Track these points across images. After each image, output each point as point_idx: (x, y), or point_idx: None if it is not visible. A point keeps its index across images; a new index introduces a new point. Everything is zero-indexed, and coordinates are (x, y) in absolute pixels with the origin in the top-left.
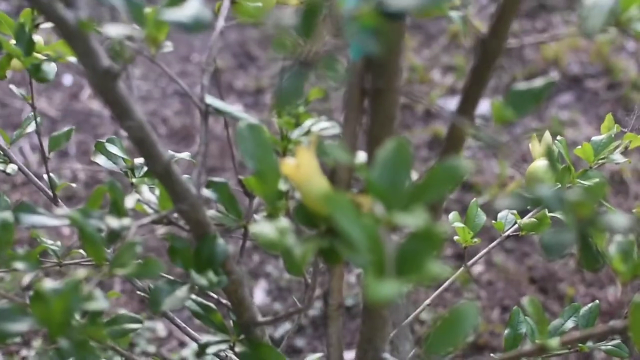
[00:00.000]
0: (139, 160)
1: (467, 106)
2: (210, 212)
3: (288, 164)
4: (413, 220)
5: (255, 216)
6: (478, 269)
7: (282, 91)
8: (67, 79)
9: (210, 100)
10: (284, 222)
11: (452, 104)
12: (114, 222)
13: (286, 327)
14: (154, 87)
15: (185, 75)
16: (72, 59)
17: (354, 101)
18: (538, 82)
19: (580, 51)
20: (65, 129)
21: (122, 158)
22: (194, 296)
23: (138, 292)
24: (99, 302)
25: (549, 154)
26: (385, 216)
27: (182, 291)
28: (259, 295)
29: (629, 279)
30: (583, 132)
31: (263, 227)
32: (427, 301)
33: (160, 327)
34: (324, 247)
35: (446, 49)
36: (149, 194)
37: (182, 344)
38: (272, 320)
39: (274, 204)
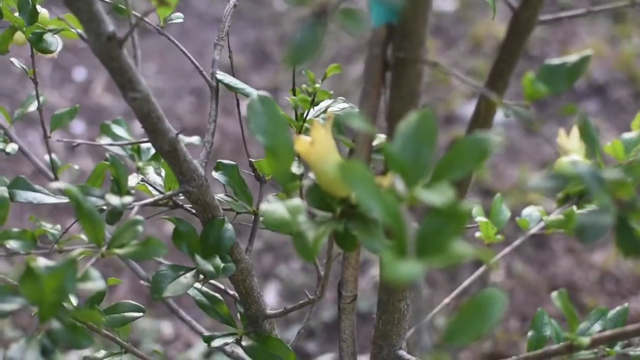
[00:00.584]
0: (146, 145)
1: (496, 82)
2: (219, 196)
3: (302, 141)
4: (437, 196)
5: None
6: (497, 277)
7: (298, 43)
8: (79, 74)
9: (221, 75)
10: (296, 201)
11: (471, 109)
12: (114, 200)
13: (295, 331)
14: (168, 83)
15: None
16: (78, 31)
17: (374, 74)
18: (572, 57)
19: (604, 59)
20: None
21: (128, 141)
22: (199, 285)
23: (142, 283)
24: (96, 283)
25: (587, 136)
26: (407, 192)
27: (186, 277)
28: (270, 297)
29: None
30: (608, 140)
31: (273, 206)
32: (446, 300)
33: (167, 327)
34: (338, 230)
35: (467, 54)
36: (154, 176)
37: (189, 346)
38: (282, 312)
39: (287, 184)
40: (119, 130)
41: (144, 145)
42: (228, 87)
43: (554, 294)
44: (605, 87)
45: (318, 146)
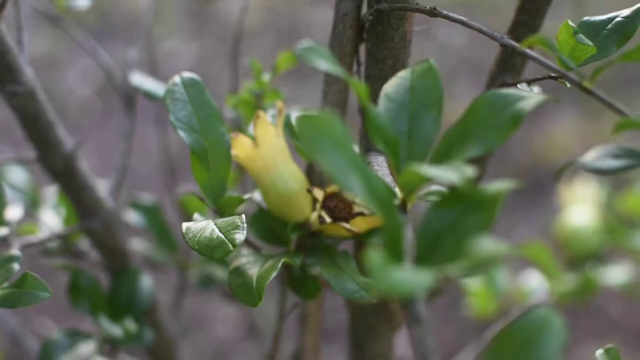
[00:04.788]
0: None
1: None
2: (135, 242)
3: (242, 142)
4: (452, 173)
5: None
6: None
7: None
8: None
9: (138, 80)
10: (237, 219)
11: None
12: None
13: None
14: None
15: None
16: None
17: (344, 42)
18: (625, 12)
19: None
20: None
21: None
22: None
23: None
24: None
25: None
26: (403, 171)
27: (87, 347)
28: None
29: None
30: None
31: (200, 224)
32: None
33: None
34: (293, 267)
35: None
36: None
37: None
38: None
39: (219, 200)
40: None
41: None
42: (148, 95)
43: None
44: None
45: (265, 150)
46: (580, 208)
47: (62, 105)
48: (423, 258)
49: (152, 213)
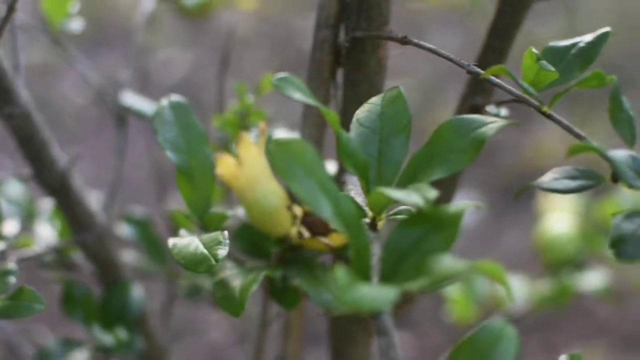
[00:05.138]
0: None
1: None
2: (127, 253)
3: (227, 161)
4: (415, 196)
5: None
6: None
7: None
8: None
9: (129, 101)
10: (220, 235)
11: None
12: None
13: None
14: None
15: None
16: None
17: (322, 67)
18: (586, 37)
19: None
20: None
21: None
22: None
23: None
24: None
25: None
26: (370, 194)
27: (80, 355)
28: None
29: None
30: None
31: (185, 239)
32: None
33: None
34: (274, 280)
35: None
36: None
37: None
38: None
39: (204, 217)
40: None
41: None
42: (139, 115)
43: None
44: None
45: (248, 168)
46: (559, 216)
47: (57, 114)
48: (388, 275)
49: (142, 226)
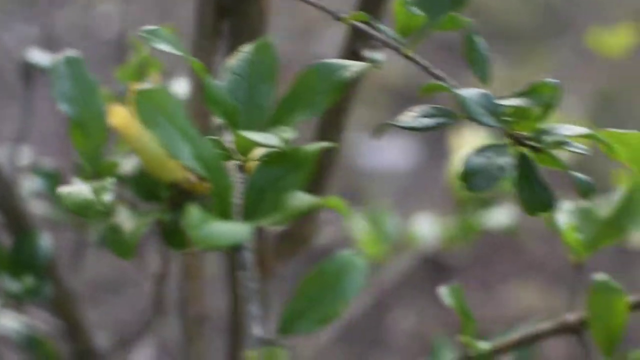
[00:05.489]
0: None
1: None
2: (36, 204)
3: (119, 111)
4: (269, 138)
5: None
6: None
7: None
8: None
9: (36, 57)
10: (106, 181)
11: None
12: None
13: None
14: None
15: None
16: None
17: (207, 20)
18: None
19: None
20: None
21: None
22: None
23: None
24: None
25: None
26: (232, 137)
27: None
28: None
29: (584, 254)
30: None
31: (76, 187)
32: None
33: None
34: (165, 222)
35: None
36: None
37: None
38: (117, 345)
39: (97, 165)
40: None
41: None
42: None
43: (444, 289)
44: None
45: (137, 118)
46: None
47: None
48: (249, 213)
49: (52, 178)
